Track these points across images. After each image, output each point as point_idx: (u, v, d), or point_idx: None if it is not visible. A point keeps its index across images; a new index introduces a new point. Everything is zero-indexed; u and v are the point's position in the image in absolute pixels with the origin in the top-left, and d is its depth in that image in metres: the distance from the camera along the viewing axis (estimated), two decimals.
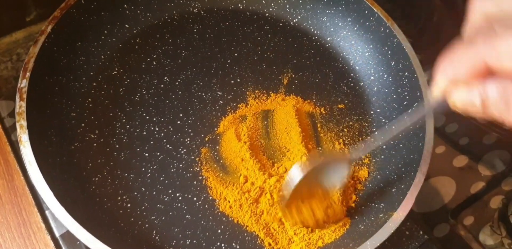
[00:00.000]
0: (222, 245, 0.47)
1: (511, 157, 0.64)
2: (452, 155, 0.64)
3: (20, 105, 0.45)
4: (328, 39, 0.62)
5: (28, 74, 0.47)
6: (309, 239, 0.46)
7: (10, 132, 0.57)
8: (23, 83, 0.46)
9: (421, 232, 0.45)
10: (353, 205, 0.50)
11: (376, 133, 0.44)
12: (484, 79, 0.28)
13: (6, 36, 0.63)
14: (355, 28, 0.60)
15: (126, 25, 0.58)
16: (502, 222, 0.59)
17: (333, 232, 0.46)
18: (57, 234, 0.51)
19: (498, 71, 0.27)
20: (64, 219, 0.40)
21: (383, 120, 0.56)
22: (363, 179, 0.52)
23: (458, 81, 0.29)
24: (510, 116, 0.27)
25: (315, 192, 0.46)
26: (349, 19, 0.60)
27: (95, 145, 0.50)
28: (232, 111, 0.55)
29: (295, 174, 0.43)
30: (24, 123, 0.44)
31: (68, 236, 0.51)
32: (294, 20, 0.63)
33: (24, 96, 0.46)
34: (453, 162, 0.63)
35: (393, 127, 0.41)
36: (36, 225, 0.51)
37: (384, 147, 0.54)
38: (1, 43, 0.63)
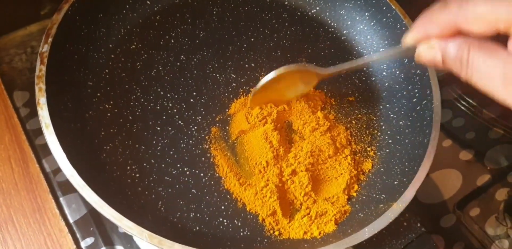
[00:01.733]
0: (224, 221, 0.48)
1: None
2: (459, 149, 0.66)
3: (40, 69, 0.46)
4: (345, 32, 0.63)
5: (50, 39, 0.47)
6: (312, 217, 0.48)
7: (25, 121, 0.59)
8: (45, 48, 0.47)
9: (418, 224, 0.46)
10: (354, 194, 0.51)
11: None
12: (451, 38, 0.32)
13: (21, 29, 0.65)
14: (372, 23, 0.61)
15: (148, 2, 0.59)
16: (508, 213, 0.61)
17: (333, 216, 0.48)
18: (71, 220, 0.54)
19: (467, 33, 0.31)
20: (74, 181, 0.41)
21: (391, 115, 0.57)
22: (367, 171, 0.53)
23: (429, 37, 0.34)
24: (463, 72, 0.31)
25: (278, 94, 0.52)
26: (366, 14, 0.61)
27: (109, 114, 0.51)
28: (244, 94, 0.56)
29: (269, 74, 0.49)
30: (43, 86, 0.45)
31: (82, 222, 0.54)
32: (313, 11, 0.64)
33: (45, 60, 0.46)
34: (459, 155, 0.65)
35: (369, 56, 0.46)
36: (51, 211, 0.53)
37: (390, 141, 0.55)
38: (16, 36, 0.64)
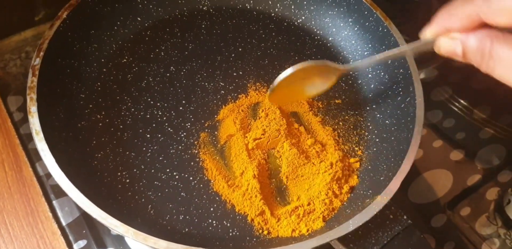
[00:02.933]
0: (214, 222, 0.48)
1: (506, 151, 0.66)
2: (449, 149, 0.66)
3: (32, 81, 0.48)
4: (330, 39, 0.64)
5: (41, 53, 0.50)
6: (300, 215, 0.48)
7: (19, 126, 0.61)
8: (36, 61, 0.49)
9: (405, 217, 0.46)
10: None
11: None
12: (472, 30, 0.32)
13: (16, 34, 0.67)
14: (356, 29, 0.62)
15: (138, 18, 0.62)
16: (498, 212, 0.61)
17: (321, 213, 0.48)
18: (64, 223, 0.55)
19: (492, 25, 0.31)
20: (64, 185, 0.42)
21: (378, 115, 0.57)
22: (355, 169, 0.54)
23: (450, 31, 0.34)
24: (484, 65, 0.31)
25: (297, 91, 0.52)
26: (350, 20, 0.63)
27: (100, 124, 0.53)
28: (232, 100, 0.57)
29: (287, 70, 0.47)
30: (34, 96, 0.47)
31: (75, 225, 0.55)
32: (298, 21, 0.66)
33: (37, 72, 0.48)
34: (450, 156, 0.65)
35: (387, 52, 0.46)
36: (43, 214, 0.54)
37: (377, 140, 0.55)
38: (10, 41, 0.67)
